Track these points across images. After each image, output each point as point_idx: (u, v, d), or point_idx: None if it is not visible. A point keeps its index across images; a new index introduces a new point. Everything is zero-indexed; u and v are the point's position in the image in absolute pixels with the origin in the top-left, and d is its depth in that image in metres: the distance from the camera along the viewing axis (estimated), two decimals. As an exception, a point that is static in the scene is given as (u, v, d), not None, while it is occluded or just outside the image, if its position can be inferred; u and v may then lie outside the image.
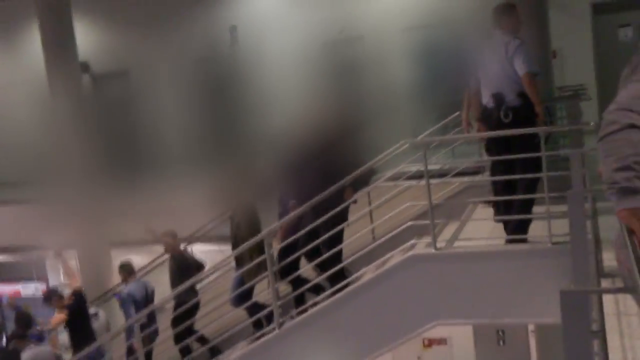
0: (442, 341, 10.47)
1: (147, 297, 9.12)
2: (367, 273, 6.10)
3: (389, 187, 6.76)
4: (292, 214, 6.44)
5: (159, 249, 10.75)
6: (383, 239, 6.16)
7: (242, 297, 7.36)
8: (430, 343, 10.54)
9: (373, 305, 5.60)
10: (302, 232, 6.35)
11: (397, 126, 10.64)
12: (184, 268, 8.66)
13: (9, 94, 15.93)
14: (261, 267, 6.58)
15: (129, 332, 8.59)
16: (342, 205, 6.28)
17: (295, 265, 6.86)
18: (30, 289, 15.75)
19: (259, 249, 6.59)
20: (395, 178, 6.93)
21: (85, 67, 13.93)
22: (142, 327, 8.21)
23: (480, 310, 5.49)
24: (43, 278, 15.79)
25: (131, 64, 15.36)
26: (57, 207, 12.52)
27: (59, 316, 9.30)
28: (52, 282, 15.61)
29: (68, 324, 9.11)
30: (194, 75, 14.79)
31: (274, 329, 5.79)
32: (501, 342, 9.53)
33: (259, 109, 13.40)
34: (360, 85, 13.39)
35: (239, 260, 7.27)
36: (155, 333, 8.70)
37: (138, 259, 13.15)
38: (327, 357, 5.56)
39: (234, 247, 7.52)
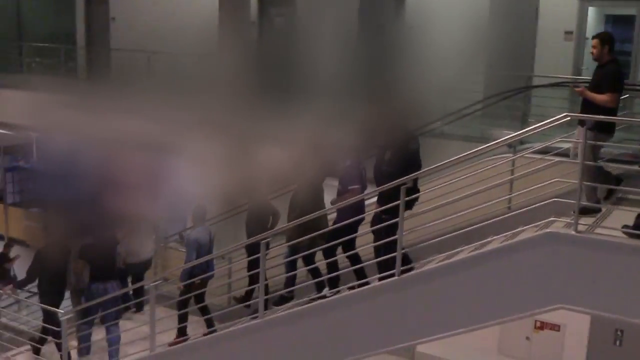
0: (555, 327, 10.19)
1: (210, 242, 9.44)
2: (494, 242, 5.95)
3: (535, 159, 6.54)
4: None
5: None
6: (520, 210, 5.98)
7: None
8: (542, 326, 10.29)
9: (497, 274, 5.48)
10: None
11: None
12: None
13: None
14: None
15: (184, 274, 9.00)
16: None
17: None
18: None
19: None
20: (542, 152, 6.68)
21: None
22: (196, 274, 8.83)
23: (608, 303, 5.24)
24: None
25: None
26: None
27: None
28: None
29: None
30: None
31: (393, 274, 5.82)
32: (617, 343, 9.14)
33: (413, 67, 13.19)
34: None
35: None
36: (210, 277, 9.06)
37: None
38: (441, 315, 5.55)
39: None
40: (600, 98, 6.34)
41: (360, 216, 7.14)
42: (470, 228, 6.33)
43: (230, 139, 11.71)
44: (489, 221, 6.24)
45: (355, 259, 7.32)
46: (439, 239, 6.21)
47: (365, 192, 7.51)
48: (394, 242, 6.22)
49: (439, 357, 11.05)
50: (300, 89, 12.90)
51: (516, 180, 6.94)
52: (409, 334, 5.89)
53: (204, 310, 8.63)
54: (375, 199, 6.90)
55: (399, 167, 6.56)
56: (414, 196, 6.63)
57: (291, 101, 14.19)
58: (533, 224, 5.73)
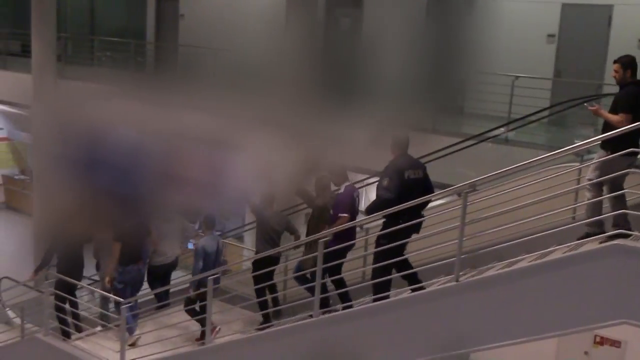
0: (616, 342, 9.91)
1: (218, 251, 9.53)
2: (557, 252, 5.81)
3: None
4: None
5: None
6: (586, 221, 5.83)
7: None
8: (602, 341, 10.01)
9: (558, 285, 5.33)
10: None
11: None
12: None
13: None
14: None
15: (192, 282, 9.07)
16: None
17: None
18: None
19: None
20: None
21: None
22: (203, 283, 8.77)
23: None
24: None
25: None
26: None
27: None
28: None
29: None
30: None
31: (452, 279, 5.75)
32: (682, 363, 8.83)
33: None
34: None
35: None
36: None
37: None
38: (499, 323, 5.44)
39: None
40: (613, 118, 6.29)
41: (348, 243, 7.50)
42: (532, 236, 6.20)
43: (291, 138, 11.79)
44: (552, 230, 6.10)
45: (340, 284, 7.71)
46: (500, 245, 6.10)
47: (363, 218, 7.81)
48: (393, 265, 6.79)
49: (494, 366, 10.89)
50: (365, 89, 12.92)
51: (581, 190, 6.79)
52: (465, 341, 5.80)
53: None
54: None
55: (396, 193, 6.91)
56: (416, 221, 6.89)
57: (355, 102, 14.20)
58: (603, 235, 5.57)
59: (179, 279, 10.39)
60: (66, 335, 9.36)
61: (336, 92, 15.81)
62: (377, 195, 7.18)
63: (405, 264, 7.08)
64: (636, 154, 5.94)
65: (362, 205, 8.83)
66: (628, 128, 5.75)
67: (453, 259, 5.89)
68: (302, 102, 12.20)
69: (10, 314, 12.22)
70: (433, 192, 7.30)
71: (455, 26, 14.57)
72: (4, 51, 20.18)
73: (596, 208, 6.23)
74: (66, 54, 18.75)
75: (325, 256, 7.10)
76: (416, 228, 6.94)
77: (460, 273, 5.78)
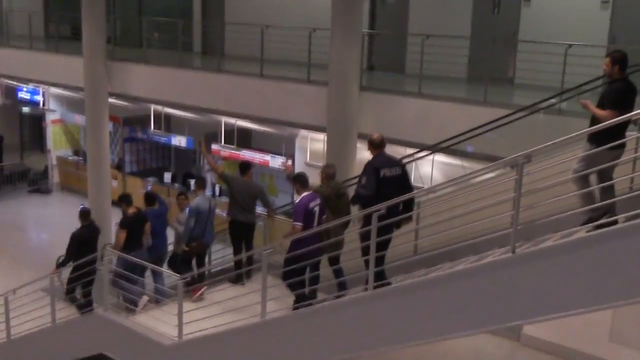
0: (674, 316, 9.70)
1: (210, 210, 10.60)
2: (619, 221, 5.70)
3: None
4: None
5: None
6: (585, 208, 5.77)
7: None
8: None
9: (615, 254, 5.22)
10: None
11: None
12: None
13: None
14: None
15: (183, 237, 10.39)
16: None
17: None
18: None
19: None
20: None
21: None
22: (195, 238, 10.27)
23: None
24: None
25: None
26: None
27: None
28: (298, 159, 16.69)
29: None
30: None
31: (508, 250, 5.69)
32: None
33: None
34: None
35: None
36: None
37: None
38: (554, 295, 5.37)
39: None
40: (600, 113, 6.41)
41: (305, 249, 7.84)
42: (587, 208, 6.11)
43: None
44: (611, 200, 5.99)
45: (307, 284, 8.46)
46: (555, 217, 6.00)
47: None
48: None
49: (546, 341, 10.78)
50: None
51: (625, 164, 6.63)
52: (521, 312, 5.75)
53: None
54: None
55: (372, 190, 7.54)
56: (401, 217, 7.38)
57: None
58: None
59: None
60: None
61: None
62: (355, 191, 7.83)
63: (380, 260, 7.34)
64: (622, 146, 6.12)
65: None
66: (612, 122, 5.82)
67: (509, 229, 5.83)
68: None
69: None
70: (412, 190, 7.88)
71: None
72: (56, 35, 20.58)
73: (587, 197, 6.33)
74: (115, 36, 19.03)
75: (287, 260, 7.96)
76: (396, 224, 7.46)
77: (516, 244, 5.72)
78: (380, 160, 7.86)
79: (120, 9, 22.11)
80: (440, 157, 12.65)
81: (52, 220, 20.70)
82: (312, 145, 15.98)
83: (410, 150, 11.76)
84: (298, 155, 16.67)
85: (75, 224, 11.46)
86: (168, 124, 19.66)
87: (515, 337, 11.09)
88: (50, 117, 23.27)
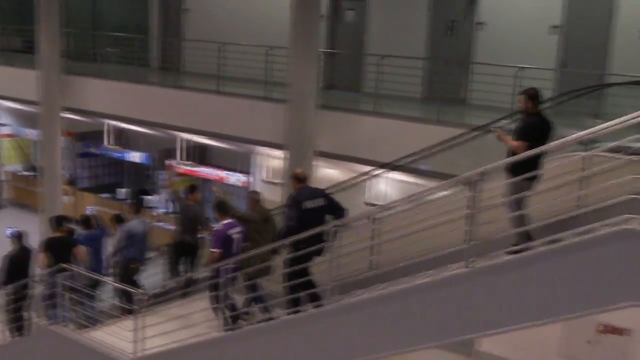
0: (621, 331, 9.97)
1: (144, 233, 11.00)
2: (565, 239, 5.91)
3: (605, 158, 6.52)
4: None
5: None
6: (592, 207, 5.94)
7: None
8: (605, 330, 10.07)
9: (566, 269, 5.44)
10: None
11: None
12: None
13: None
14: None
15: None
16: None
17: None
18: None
19: None
20: (615, 151, 6.62)
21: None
22: (129, 260, 10.68)
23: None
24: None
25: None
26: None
27: None
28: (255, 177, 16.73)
29: None
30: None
31: (462, 265, 5.85)
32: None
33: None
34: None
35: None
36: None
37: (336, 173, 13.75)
38: (505, 309, 5.53)
39: None
40: (513, 144, 6.97)
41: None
42: (540, 224, 6.34)
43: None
44: (558, 217, 6.24)
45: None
46: (505, 233, 6.22)
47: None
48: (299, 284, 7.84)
49: (498, 356, 10.97)
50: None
51: (587, 179, 6.89)
52: (472, 326, 5.91)
53: None
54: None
55: (296, 221, 8.05)
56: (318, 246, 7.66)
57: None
58: (609, 220, 5.67)
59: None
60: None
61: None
62: (284, 226, 8.34)
63: (309, 284, 8.01)
64: (536, 176, 6.50)
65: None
66: (525, 154, 6.31)
67: (463, 245, 6.00)
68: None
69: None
70: (343, 213, 8.28)
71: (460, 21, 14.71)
72: (7, 48, 20.29)
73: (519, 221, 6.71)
74: (69, 50, 18.85)
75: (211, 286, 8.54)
76: (318, 252, 7.75)
77: (470, 260, 5.89)
78: (302, 193, 8.35)
79: (75, 23, 21.89)
80: (395, 175, 12.86)
81: (2, 236, 20.25)
82: (270, 162, 16.06)
83: (366, 168, 11.93)
84: (255, 172, 16.72)
85: (28, 240, 11.33)
86: (124, 139, 19.50)
87: (468, 353, 11.28)
88: (1, 131, 22.86)
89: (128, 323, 8.72)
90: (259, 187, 16.37)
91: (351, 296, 7.00)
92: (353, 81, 15.71)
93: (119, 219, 11.69)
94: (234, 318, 8.55)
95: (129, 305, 9.41)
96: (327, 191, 8.90)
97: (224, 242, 8.68)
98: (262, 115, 13.73)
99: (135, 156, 18.89)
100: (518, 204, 6.70)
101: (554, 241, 5.82)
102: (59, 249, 10.51)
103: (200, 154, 18.05)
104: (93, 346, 8.62)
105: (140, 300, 8.23)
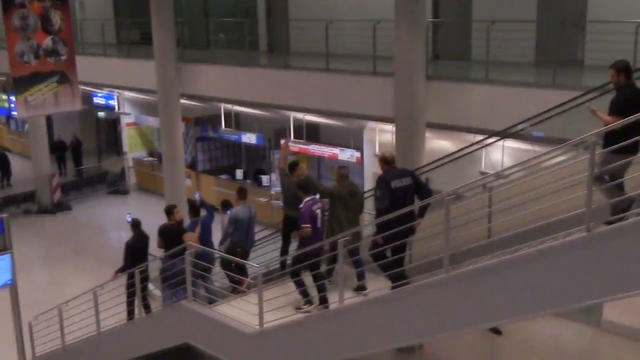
0: None
1: (250, 219, 11.33)
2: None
3: None
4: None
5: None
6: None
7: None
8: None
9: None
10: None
11: None
12: None
13: None
14: None
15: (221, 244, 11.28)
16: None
17: None
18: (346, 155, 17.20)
19: None
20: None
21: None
22: (237, 243, 10.94)
23: None
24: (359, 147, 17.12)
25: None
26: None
27: None
28: (367, 152, 16.82)
29: None
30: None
31: (583, 230, 5.70)
32: None
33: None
34: None
35: None
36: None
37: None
38: (632, 273, 5.37)
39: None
40: (606, 119, 6.81)
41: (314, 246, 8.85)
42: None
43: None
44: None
45: (319, 278, 9.04)
46: (629, 195, 6.00)
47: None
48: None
49: (627, 326, 10.59)
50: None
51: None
52: (599, 290, 5.77)
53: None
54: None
55: (387, 200, 8.33)
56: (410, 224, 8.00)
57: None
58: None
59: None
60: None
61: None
62: (375, 207, 8.61)
63: (398, 263, 8.19)
64: (633, 150, 6.39)
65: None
66: (613, 125, 6.29)
67: (583, 209, 5.84)
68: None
69: (150, 286, 13.11)
70: (430, 192, 8.55)
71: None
72: (127, 41, 21.32)
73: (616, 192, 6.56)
74: (184, 39, 19.57)
75: (301, 257, 9.02)
76: (411, 231, 8.11)
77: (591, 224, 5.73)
78: (390, 173, 8.60)
79: (187, 13, 22.69)
80: (510, 143, 12.59)
81: (124, 219, 21.51)
82: (380, 136, 16.10)
83: (479, 137, 11.75)
84: (366, 148, 16.82)
85: (154, 223, 12.01)
86: (238, 122, 20.11)
87: (596, 323, 10.95)
88: (125, 121, 24.14)
89: (250, 297, 9.09)
90: (371, 161, 16.49)
91: (468, 265, 6.99)
92: (462, 49, 15.43)
93: (226, 205, 12.16)
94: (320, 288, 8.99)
95: (244, 281, 9.94)
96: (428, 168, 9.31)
97: (311, 217, 9.21)
98: (371, 90, 13.77)
99: (250, 137, 19.45)
100: (614, 177, 6.60)
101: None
102: (171, 235, 11.22)
103: (312, 132, 18.34)
104: (222, 320, 9.03)
105: (259, 275, 8.54)
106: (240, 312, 8.94)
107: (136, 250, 12.05)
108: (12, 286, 11.86)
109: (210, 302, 10.17)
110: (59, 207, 23.01)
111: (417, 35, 12.19)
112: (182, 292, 10.46)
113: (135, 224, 12.37)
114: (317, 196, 9.67)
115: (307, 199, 9.35)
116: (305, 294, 9.10)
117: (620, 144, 6.05)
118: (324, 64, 14.65)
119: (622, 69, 6.99)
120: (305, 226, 9.13)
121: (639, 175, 6.11)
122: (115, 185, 24.62)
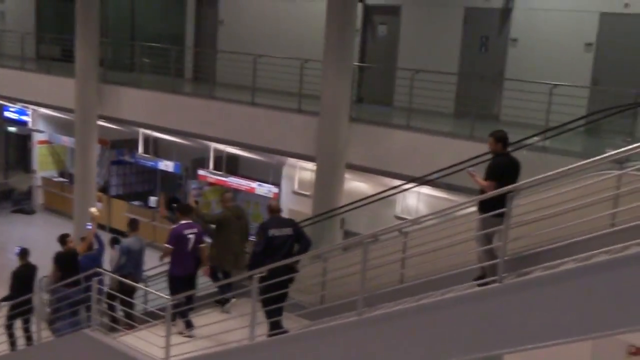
0: (651, 352, 9.84)
1: (141, 250, 11.42)
2: (596, 257, 5.92)
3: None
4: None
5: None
6: (627, 226, 5.94)
7: None
8: (637, 351, 9.96)
9: (598, 287, 5.44)
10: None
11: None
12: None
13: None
14: None
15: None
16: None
17: None
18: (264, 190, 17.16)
19: None
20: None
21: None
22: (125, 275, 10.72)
23: None
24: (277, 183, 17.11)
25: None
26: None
27: None
28: (285, 188, 16.82)
29: None
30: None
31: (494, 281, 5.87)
32: None
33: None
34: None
35: None
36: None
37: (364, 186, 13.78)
38: (538, 323, 5.54)
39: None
40: (482, 183, 7.46)
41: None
42: (571, 241, 6.35)
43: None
44: (591, 235, 6.24)
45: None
46: (541, 249, 6.23)
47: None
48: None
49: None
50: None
51: (621, 197, 6.90)
52: (502, 341, 5.91)
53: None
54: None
55: (261, 247, 8.90)
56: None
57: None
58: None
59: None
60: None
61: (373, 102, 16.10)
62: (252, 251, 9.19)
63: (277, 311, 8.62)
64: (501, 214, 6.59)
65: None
66: (492, 194, 6.75)
67: (495, 261, 6.02)
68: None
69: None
70: (309, 243, 9.06)
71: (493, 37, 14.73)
72: (47, 56, 20.72)
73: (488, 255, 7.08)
74: (107, 60, 19.18)
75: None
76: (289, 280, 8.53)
77: (503, 275, 5.91)
78: (271, 221, 9.15)
79: (113, 33, 22.30)
80: (426, 190, 12.89)
81: (34, 241, 20.56)
82: (300, 174, 16.17)
83: (397, 182, 11.97)
84: (285, 184, 16.84)
85: (57, 246, 11.77)
86: (156, 148, 19.78)
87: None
88: (37, 138, 23.30)
89: (157, 329, 8.87)
90: (289, 198, 16.50)
91: (380, 308, 7.06)
92: (385, 95, 15.78)
93: (115, 241, 12.22)
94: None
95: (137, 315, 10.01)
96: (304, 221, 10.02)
97: (179, 240, 9.89)
98: (294, 127, 13.86)
99: (167, 165, 19.13)
100: (488, 239, 7.11)
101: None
102: (65, 264, 11.28)
103: (232, 164, 18.23)
104: (124, 350, 8.75)
105: (169, 307, 8.36)
106: (145, 343, 8.69)
107: (22, 279, 11.87)
108: None
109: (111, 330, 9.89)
110: (-42, 223, 21.88)
111: (343, 77, 12.41)
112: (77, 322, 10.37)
113: (23, 253, 12.25)
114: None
115: (183, 222, 10.06)
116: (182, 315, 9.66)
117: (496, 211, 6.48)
118: (249, 97, 14.66)
119: (500, 138, 7.72)
120: (167, 246, 9.94)
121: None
122: (21, 203, 23.61)
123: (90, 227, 13.19)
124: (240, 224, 10.64)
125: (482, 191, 7.38)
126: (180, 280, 9.92)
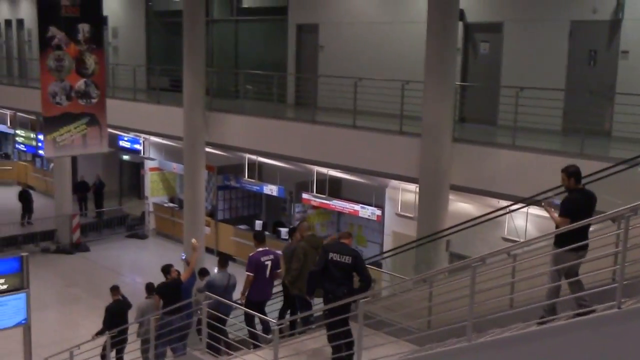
0: None
1: (227, 287, 11.23)
2: None
3: None
4: None
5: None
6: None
7: None
8: None
9: None
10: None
11: None
12: None
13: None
14: None
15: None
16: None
17: None
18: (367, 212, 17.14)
19: None
20: None
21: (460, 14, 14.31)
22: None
23: None
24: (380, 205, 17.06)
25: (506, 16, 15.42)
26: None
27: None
28: (388, 210, 16.74)
29: None
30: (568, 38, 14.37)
31: (613, 306, 5.58)
32: None
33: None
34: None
35: None
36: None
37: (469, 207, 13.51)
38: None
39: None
40: (556, 220, 7.35)
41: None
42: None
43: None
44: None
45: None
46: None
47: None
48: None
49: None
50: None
51: None
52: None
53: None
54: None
55: (319, 267, 9.16)
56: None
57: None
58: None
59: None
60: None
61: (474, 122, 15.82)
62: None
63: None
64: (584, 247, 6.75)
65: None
66: (565, 228, 6.77)
67: (614, 285, 5.73)
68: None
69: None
70: (368, 283, 8.98)
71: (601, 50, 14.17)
72: (156, 87, 21.65)
73: (554, 293, 7.06)
74: (213, 88, 19.82)
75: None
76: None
77: (622, 300, 5.60)
78: (333, 245, 9.27)
79: (218, 62, 23.06)
80: (535, 210, 12.46)
81: (147, 265, 21.45)
82: (403, 196, 16.05)
83: (503, 203, 11.66)
84: (388, 206, 16.75)
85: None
86: (260, 172, 20.20)
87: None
88: (148, 165, 24.31)
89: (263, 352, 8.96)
90: (392, 220, 16.40)
91: (489, 334, 6.85)
92: (488, 114, 15.46)
93: (203, 272, 12.16)
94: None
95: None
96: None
97: (257, 267, 10.36)
98: (396, 148, 13.79)
99: (272, 189, 19.47)
100: (569, 273, 7.04)
101: None
102: (169, 294, 11.47)
103: (334, 187, 18.34)
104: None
105: (276, 331, 8.43)
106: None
107: (115, 316, 12.36)
108: (26, 326, 11.79)
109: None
110: (77, 248, 23.08)
111: (445, 97, 12.27)
112: (181, 348, 10.54)
113: (114, 288, 12.75)
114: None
115: (259, 249, 10.55)
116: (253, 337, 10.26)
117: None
118: (350, 120, 14.73)
119: (573, 173, 7.48)
120: (248, 274, 10.40)
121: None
122: (135, 229, 24.68)
123: (183, 257, 13.60)
124: (318, 254, 10.17)
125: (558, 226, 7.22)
126: (255, 306, 10.36)
